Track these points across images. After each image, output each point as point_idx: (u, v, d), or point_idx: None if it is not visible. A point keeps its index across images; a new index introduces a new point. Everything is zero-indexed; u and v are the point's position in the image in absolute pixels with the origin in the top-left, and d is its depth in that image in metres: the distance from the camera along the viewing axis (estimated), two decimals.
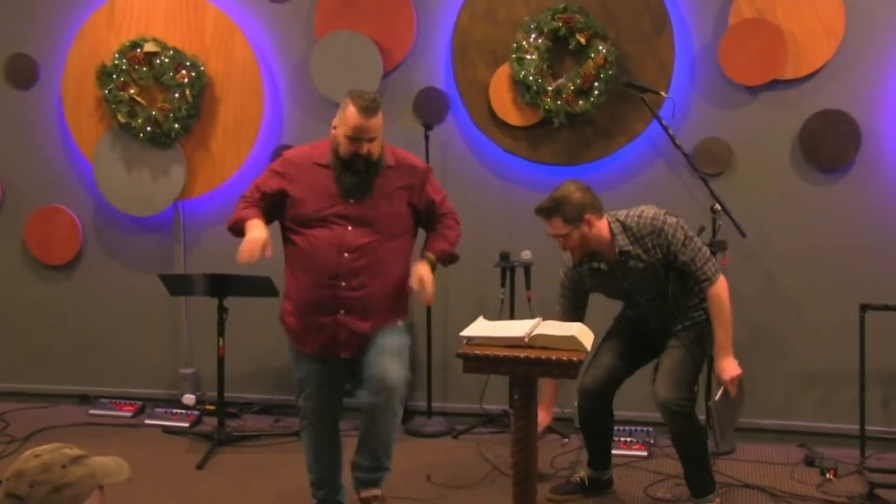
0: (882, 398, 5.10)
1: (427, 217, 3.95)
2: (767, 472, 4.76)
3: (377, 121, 3.68)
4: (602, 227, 3.99)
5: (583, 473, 4.45)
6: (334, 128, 3.76)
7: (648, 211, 4.01)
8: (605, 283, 4.12)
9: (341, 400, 3.99)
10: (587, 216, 3.94)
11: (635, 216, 4.01)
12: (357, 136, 3.66)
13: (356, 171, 3.70)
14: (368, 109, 3.65)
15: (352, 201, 3.74)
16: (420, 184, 3.89)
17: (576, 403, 5.34)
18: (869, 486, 4.34)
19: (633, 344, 4.26)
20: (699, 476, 4.12)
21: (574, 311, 4.20)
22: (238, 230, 3.78)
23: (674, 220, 3.98)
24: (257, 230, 3.67)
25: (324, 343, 3.80)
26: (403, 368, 3.81)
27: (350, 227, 3.73)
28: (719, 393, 4.00)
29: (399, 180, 3.83)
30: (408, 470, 4.67)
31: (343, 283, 3.73)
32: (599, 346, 4.25)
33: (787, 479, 4.65)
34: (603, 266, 4.05)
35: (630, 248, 3.98)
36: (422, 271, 3.83)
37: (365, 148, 3.67)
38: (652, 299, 4.10)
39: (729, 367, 4.00)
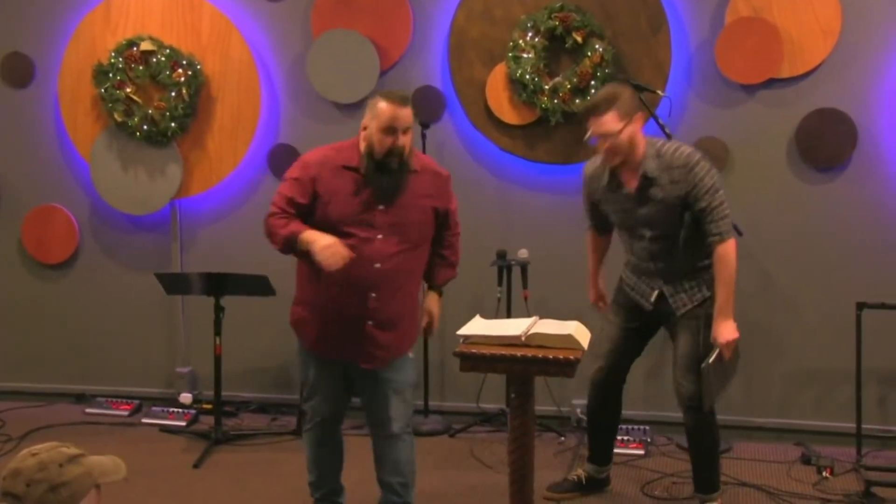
0: (878, 396, 5.11)
1: (439, 226, 3.87)
2: (764, 470, 4.77)
3: (409, 111, 3.64)
4: (642, 138, 3.94)
5: (580, 471, 4.44)
6: (363, 129, 3.67)
7: (686, 148, 3.95)
8: (618, 203, 4.03)
9: (348, 403, 3.94)
10: (637, 115, 3.91)
11: (672, 147, 3.95)
12: (392, 127, 3.58)
13: (390, 170, 3.62)
14: (401, 99, 3.63)
15: (381, 207, 3.64)
16: (443, 193, 3.83)
17: (573, 401, 5.36)
18: (865, 484, 4.34)
19: (634, 322, 4.18)
20: (708, 472, 4.12)
21: (601, 228, 4.26)
22: (292, 245, 3.62)
23: (707, 164, 3.91)
24: (324, 237, 3.53)
25: (346, 351, 3.71)
26: (407, 412, 3.82)
27: (380, 236, 3.63)
28: (713, 355, 3.91)
29: (425, 187, 3.75)
30: None
31: (373, 294, 3.65)
32: (603, 331, 4.21)
33: (784, 478, 4.65)
34: (624, 189, 3.97)
35: (656, 174, 3.90)
36: (434, 309, 3.93)
37: (400, 140, 3.61)
38: (657, 238, 3.98)
39: (725, 331, 3.92)
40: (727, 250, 3.91)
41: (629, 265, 4.20)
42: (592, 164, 4.11)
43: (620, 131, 3.85)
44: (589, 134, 3.92)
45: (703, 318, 4.00)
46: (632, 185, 3.95)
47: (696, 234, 3.95)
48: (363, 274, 3.60)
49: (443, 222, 3.86)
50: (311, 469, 3.97)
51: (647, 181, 3.91)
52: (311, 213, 3.65)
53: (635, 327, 4.21)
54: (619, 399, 4.31)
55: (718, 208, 3.89)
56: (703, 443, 4.07)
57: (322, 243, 3.50)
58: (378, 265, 3.61)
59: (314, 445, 3.93)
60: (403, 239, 3.67)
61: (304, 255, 3.63)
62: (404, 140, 3.63)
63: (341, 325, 3.68)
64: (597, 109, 3.88)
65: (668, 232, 3.97)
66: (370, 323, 3.67)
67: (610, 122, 3.85)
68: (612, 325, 4.24)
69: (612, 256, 4.39)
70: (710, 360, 3.89)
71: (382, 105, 3.61)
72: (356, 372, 3.78)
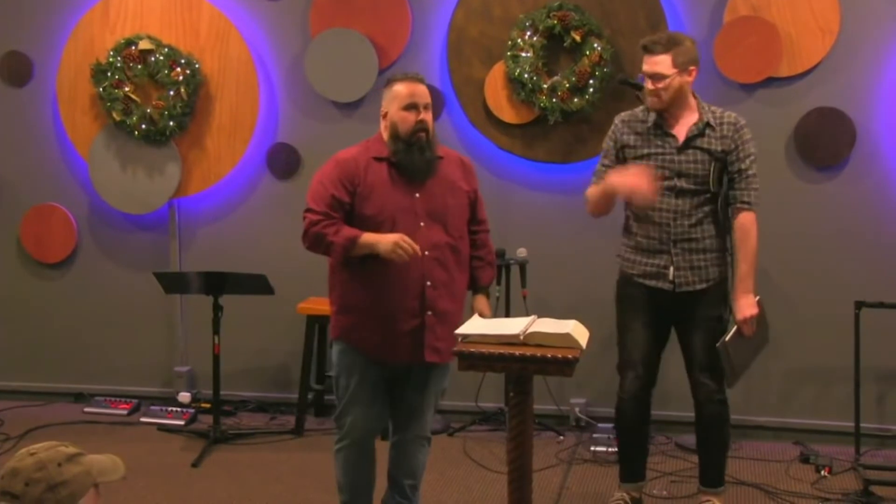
0: (877, 395, 5.11)
1: (470, 219, 3.81)
2: (763, 469, 4.77)
3: (426, 88, 3.66)
4: (691, 92, 3.94)
5: (625, 496, 4.19)
6: (384, 116, 3.66)
7: (732, 112, 4.00)
8: (657, 148, 3.94)
9: (388, 417, 3.83)
10: (692, 68, 3.90)
11: (720, 108, 3.99)
12: (413, 103, 3.59)
13: (420, 147, 3.60)
14: (415, 77, 3.67)
15: (418, 195, 3.61)
16: (471, 179, 3.81)
17: (572, 400, 5.35)
18: (864, 483, 4.35)
19: (654, 320, 4.04)
20: (720, 466, 4.10)
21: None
22: (349, 250, 3.54)
23: (751, 133, 3.96)
24: (385, 235, 3.50)
25: (410, 349, 3.64)
26: (431, 420, 3.83)
27: (423, 224, 3.59)
28: (731, 333, 3.86)
29: (454, 171, 3.73)
30: None
31: (428, 283, 3.60)
32: (624, 342, 4.07)
33: (783, 477, 4.66)
34: (669, 135, 3.92)
35: (715, 125, 3.91)
36: (486, 311, 3.85)
37: (422, 114, 3.60)
38: (686, 193, 3.89)
39: (744, 306, 3.89)
40: (752, 221, 3.91)
41: (633, 248, 4.04)
42: (630, 112, 4.07)
43: (670, 77, 3.85)
44: (642, 72, 3.93)
45: (716, 309, 3.97)
46: (679, 132, 3.92)
47: (724, 204, 3.93)
48: (415, 264, 3.56)
49: (473, 213, 3.81)
50: (343, 489, 3.77)
51: (703, 128, 3.90)
52: (351, 211, 3.60)
53: (657, 325, 4.06)
54: (650, 408, 4.14)
55: (753, 177, 3.91)
56: (721, 435, 4.05)
57: (388, 241, 3.48)
58: (427, 253, 3.58)
59: (351, 465, 3.74)
60: (445, 225, 3.65)
61: (360, 259, 3.58)
62: (426, 115, 3.62)
63: (402, 321, 3.61)
64: (654, 49, 3.88)
65: (699, 187, 3.91)
66: (429, 313, 3.62)
67: (662, 64, 3.85)
68: (635, 331, 4.06)
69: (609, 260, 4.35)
70: (727, 338, 3.86)
71: (398, 86, 3.63)
72: (408, 373, 3.71)
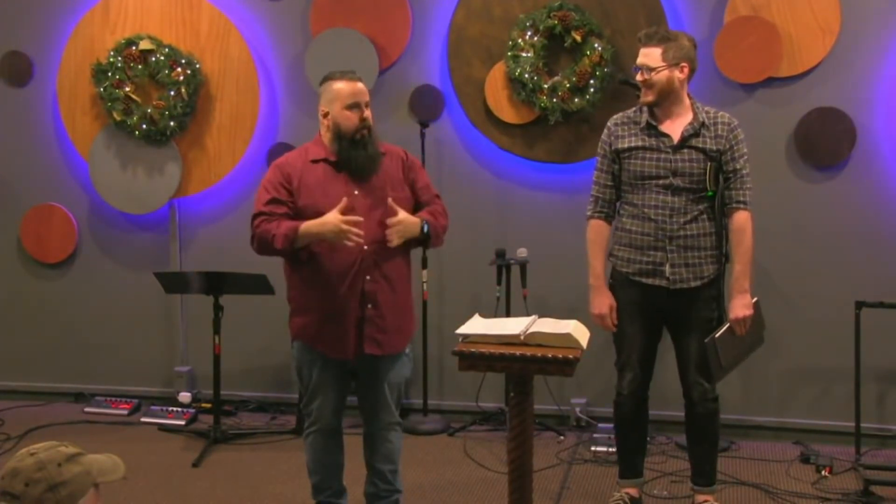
0: (877, 395, 5.11)
1: (416, 206, 3.84)
2: (763, 469, 4.77)
3: (364, 85, 3.73)
4: (685, 91, 3.97)
5: (623, 494, 4.22)
6: (325, 115, 3.71)
7: (725, 113, 4.04)
8: (651, 147, 3.95)
9: (346, 401, 3.94)
10: (684, 65, 3.91)
11: (713, 109, 4.02)
12: (356, 102, 3.66)
13: (364, 144, 3.67)
14: (354, 75, 3.72)
15: (357, 192, 3.66)
16: (414, 173, 3.85)
17: (572, 400, 5.35)
18: (864, 483, 4.35)
19: (649, 319, 4.04)
20: (714, 463, 4.10)
21: (610, 206, 4.07)
22: (292, 240, 3.59)
23: (744, 134, 3.99)
24: (323, 219, 3.55)
25: (351, 343, 3.70)
26: (399, 403, 3.88)
27: (362, 219, 3.61)
28: (722, 330, 3.88)
29: (395, 166, 3.79)
30: (403, 468, 4.65)
31: (368, 277, 3.66)
32: (622, 345, 4.07)
33: (783, 477, 4.65)
34: (663, 134, 3.93)
35: (709, 124, 3.94)
36: (405, 217, 3.68)
37: (365, 113, 3.67)
38: (682, 190, 3.89)
39: (739, 306, 3.91)
40: (747, 220, 3.93)
41: (626, 246, 4.03)
42: (622, 113, 4.10)
43: (658, 70, 3.89)
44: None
45: (714, 317, 3.97)
46: (673, 131, 3.94)
47: (721, 203, 3.94)
48: (354, 257, 3.64)
49: (418, 200, 3.83)
50: (312, 472, 3.92)
51: (699, 128, 3.92)
52: (293, 210, 3.67)
53: (652, 325, 4.07)
54: (647, 399, 4.17)
55: (747, 177, 3.94)
56: (714, 433, 4.06)
57: (331, 226, 3.53)
58: (366, 247, 3.64)
59: (319, 449, 3.88)
60: (386, 218, 3.67)
61: (307, 258, 3.66)
62: (368, 113, 3.69)
63: (343, 314, 3.68)
64: (647, 40, 3.95)
65: (695, 185, 3.92)
66: (369, 306, 3.69)
67: (652, 56, 3.91)
68: (632, 335, 4.06)
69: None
70: (717, 334, 3.87)
71: (339, 85, 3.69)
72: (358, 367, 3.79)
